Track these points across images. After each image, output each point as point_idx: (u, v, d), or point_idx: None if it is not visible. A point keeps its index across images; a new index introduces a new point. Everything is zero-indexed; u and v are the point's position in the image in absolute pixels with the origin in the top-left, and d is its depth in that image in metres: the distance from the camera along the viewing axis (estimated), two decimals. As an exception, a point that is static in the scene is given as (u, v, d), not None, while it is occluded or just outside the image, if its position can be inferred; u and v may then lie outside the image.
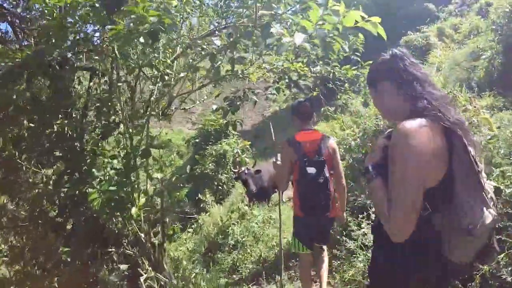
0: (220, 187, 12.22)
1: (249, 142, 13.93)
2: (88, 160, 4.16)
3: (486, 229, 1.74)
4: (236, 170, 9.12)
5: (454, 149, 1.78)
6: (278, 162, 4.08)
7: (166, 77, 4.18)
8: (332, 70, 5.16)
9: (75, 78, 4.62)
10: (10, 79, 3.73)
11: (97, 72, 4.50)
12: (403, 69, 1.96)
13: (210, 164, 12.54)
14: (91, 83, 4.68)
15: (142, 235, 4.35)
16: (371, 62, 3.85)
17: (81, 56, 4.47)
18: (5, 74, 3.71)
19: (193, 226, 9.54)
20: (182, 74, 4.22)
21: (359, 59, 5.07)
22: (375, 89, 2.13)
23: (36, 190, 4.24)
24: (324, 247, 4.35)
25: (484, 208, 1.76)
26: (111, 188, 3.47)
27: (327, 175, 3.82)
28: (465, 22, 15.32)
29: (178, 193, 5.16)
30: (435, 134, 1.76)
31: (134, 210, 3.92)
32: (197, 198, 11.40)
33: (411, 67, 1.97)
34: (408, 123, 1.78)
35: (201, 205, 10.95)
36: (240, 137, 14.82)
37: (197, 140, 13.87)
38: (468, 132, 1.84)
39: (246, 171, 8.75)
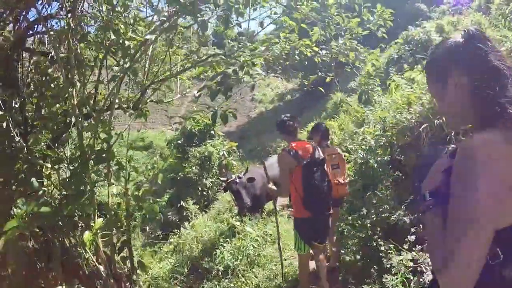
0: (204, 193, 11.10)
1: (236, 144, 12.97)
2: (25, 166, 3.01)
3: None
4: (224, 179, 7.14)
5: None
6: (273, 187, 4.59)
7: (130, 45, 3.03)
8: (345, 51, 4.21)
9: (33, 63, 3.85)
10: None
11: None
12: (485, 58, 1.40)
13: (194, 168, 11.39)
14: (50, 70, 3.70)
15: (101, 267, 3.19)
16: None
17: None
18: None
19: (174, 236, 8.39)
20: (148, 36, 3.03)
21: (385, 35, 4.18)
22: (444, 84, 1.51)
23: None
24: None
25: None
26: (43, 209, 2.30)
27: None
28: (464, 19, 14.92)
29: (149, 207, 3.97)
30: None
31: (87, 236, 2.78)
32: (179, 205, 10.44)
33: (493, 56, 1.40)
34: (481, 138, 1.31)
35: (184, 213, 10.18)
36: (226, 138, 13.88)
37: (179, 142, 12.75)
38: None
39: (237, 180, 6.83)
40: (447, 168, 1.40)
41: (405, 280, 3.64)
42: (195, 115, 3.76)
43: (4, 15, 3.51)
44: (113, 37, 3.06)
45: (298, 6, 3.81)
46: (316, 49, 4.12)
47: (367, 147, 5.19)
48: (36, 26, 3.79)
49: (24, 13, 3.60)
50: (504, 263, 1.27)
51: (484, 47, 1.42)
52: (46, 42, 3.99)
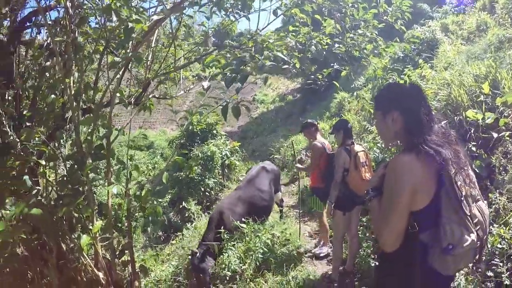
0: (207, 193, 10.84)
1: (239, 143, 12.75)
2: (18, 163, 2.74)
3: (465, 251, 2.03)
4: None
5: (442, 182, 2.06)
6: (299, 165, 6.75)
7: (134, 30, 2.75)
8: (362, 43, 3.98)
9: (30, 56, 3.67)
10: None
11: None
12: (418, 105, 2.23)
13: (196, 168, 11.12)
14: (48, 63, 3.42)
15: (101, 274, 2.92)
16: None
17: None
18: None
19: (176, 238, 8.16)
20: (155, 17, 2.76)
21: (403, 28, 3.96)
22: (383, 116, 2.35)
23: None
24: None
25: (466, 232, 2.03)
26: (34, 211, 2.03)
27: None
28: (468, 19, 14.71)
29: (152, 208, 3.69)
30: (424, 169, 2.06)
31: (84, 240, 2.51)
32: (181, 206, 10.18)
33: (424, 102, 2.26)
34: (401, 157, 2.16)
35: (186, 214, 9.96)
36: (229, 137, 13.64)
37: (181, 141, 12.51)
38: (460, 164, 2.13)
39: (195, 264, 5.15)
40: (381, 175, 2.26)
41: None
42: (202, 109, 3.47)
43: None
44: (115, 20, 2.78)
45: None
46: (329, 41, 3.88)
47: (379, 144, 4.94)
48: (34, 18, 3.55)
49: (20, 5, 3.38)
50: (419, 230, 2.10)
51: (419, 95, 2.28)
52: (44, 34, 3.76)
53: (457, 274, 3.27)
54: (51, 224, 2.62)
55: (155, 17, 2.81)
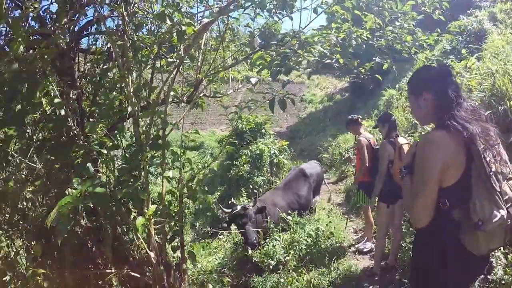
0: (255, 191, 11.08)
1: (287, 142, 12.89)
2: (81, 152, 3.08)
3: (495, 226, 2.07)
4: (228, 211, 6.10)
5: (471, 157, 2.14)
6: None
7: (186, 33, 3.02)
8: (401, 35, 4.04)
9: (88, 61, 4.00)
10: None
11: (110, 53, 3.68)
12: (446, 84, 2.35)
13: (245, 166, 11.40)
14: (105, 66, 3.82)
15: (152, 253, 3.20)
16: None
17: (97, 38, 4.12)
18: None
19: (223, 233, 8.40)
20: (206, 19, 3.02)
21: (442, 17, 3.98)
22: (416, 97, 2.49)
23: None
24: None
25: (495, 208, 2.08)
26: (98, 190, 2.32)
27: None
28: None
29: (203, 198, 3.97)
30: (454, 144, 2.16)
31: (140, 221, 2.79)
32: (230, 202, 10.49)
33: (452, 83, 2.36)
34: (430, 135, 2.31)
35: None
36: (277, 137, 13.83)
37: (230, 140, 12.87)
38: (490, 141, 2.18)
39: (242, 212, 5.82)
40: (413, 153, 2.36)
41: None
42: (251, 104, 3.70)
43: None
44: (168, 25, 3.07)
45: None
46: (370, 36, 3.97)
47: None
48: (90, 26, 3.91)
49: (78, 15, 3.73)
50: (450, 207, 2.18)
51: (448, 77, 2.39)
52: (102, 41, 4.11)
53: (494, 263, 3.31)
54: (110, 206, 2.93)
55: (205, 20, 3.06)
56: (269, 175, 11.96)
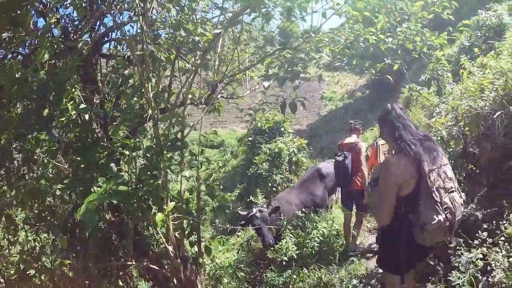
0: (274, 189, 11.25)
1: (306, 141, 12.99)
2: (105, 153, 3.31)
3: (435, 227, 2.81)
4: (244, 213, 6.30)
5: (421, 175, 2.88)
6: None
7: (200, 41, 3.24)
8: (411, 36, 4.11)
9: (109, 66, 4.26)
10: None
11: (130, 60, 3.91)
12: (391, 119, 3.18)
13: (264, 164, 11.60)
14: (126, 71, 3.99)
15: (170, 247, 3.43)
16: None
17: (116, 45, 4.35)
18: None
19: (242, 230, 8.58)
20: (217, 30, 3.22)
21: (451, 17, 3.99)
22: (382, 131, 3.44)
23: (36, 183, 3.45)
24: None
25: (435, 214, 2.81)
26: (121, 188, 2.54)
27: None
28: None
29: (221, 195, 4.18)
30: (407, 165, 2.91)
31: (159, 216, 3.01)
32: (248, 199, 10.66)
33: (397, 115, 3.18)
34: (390, 158, 3.25)
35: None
36: (296, 135, 13.93)
37: (249, 139, 13.10)
38: (437, 162, 2.96)
39: (258, 214, 6.04)
40: (379, 169, 3.24)
41: (473, 280, 3.50)
42: (264, 106, 3.89)
43: (81, 24, 3.88)
44: (183, 34, 3.28)
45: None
46: (382, 36, 4.04)
47: (438, 138, 4.95)
48: (110, 33, 4.13)
49: (98, 22, 3.96)
50: (405, 211, 2.95)
51: (392, 118, 3.15)
52: (121, 47, 4.32)
53: (495, 269, 3.51)
54: (132, 203, 3.15)
55: (216, 31, 3.25)
56: (287, 173, 12.11)
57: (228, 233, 9.74)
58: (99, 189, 2.61)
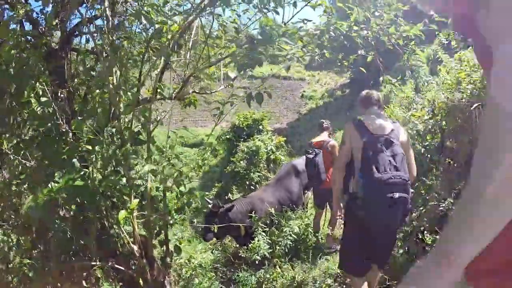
0: (252, 187, 11.16)
1: (284, 139, 12.95)
2: (67, 148, 3.17)
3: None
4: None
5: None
6: None
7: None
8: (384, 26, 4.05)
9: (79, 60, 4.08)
10: None
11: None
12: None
13: (241, 162, 11.50)
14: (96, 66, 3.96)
15: (135, 247, 3.30)
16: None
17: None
18: None
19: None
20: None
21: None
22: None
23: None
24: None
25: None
26: (77, 182, 2.41)
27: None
28: None
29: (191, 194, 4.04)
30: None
31: (122, 214, 2.88)
32: (226, 197, 10.58)
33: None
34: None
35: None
36: (275, 134, 13.88)
37: (228, 137, 12.95)
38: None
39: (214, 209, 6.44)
40: None
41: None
42: (232, 99, 3.78)
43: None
44: (144, 22, 3.15)
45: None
46: (356, 27, 3.95)
47: (414, 132, 4.92)
48: (82, 27, 3.99)
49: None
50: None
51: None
52: (91, 41, 4.19)
53: None
54: (95, 200, 3.02)
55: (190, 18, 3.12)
56: (265, 171, 12.04)
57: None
58: (56, 185, 2.48)
